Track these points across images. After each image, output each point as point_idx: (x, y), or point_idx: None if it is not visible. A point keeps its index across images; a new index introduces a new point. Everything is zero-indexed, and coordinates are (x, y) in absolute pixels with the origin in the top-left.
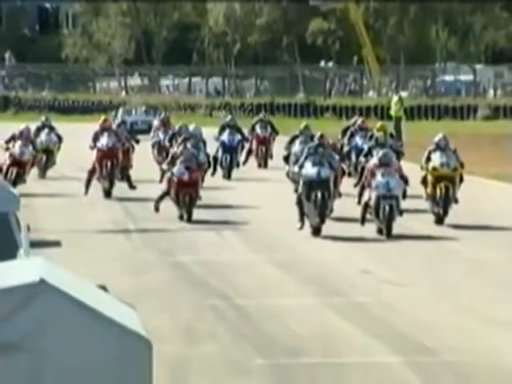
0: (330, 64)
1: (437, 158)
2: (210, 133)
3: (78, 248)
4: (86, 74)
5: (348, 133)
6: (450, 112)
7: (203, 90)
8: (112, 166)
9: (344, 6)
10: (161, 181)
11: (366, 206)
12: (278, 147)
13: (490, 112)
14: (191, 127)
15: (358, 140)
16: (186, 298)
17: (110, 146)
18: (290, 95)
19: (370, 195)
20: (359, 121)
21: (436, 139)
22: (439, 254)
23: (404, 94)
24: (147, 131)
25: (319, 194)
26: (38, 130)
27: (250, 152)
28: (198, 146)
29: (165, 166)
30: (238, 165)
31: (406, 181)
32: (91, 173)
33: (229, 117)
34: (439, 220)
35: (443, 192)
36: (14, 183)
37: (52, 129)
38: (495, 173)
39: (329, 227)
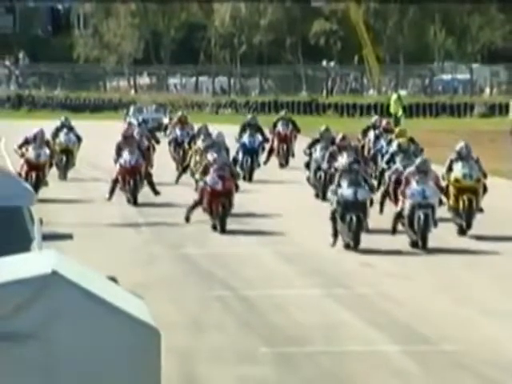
0: (332, 63)
1: (459, 169)
2: (215, 129)
3: (89, 241)
4: (97, 73)
5: (371, 134)
6: (447, 110)
7: (209, 89)
8: (135, 184)
9: (345, 7)
10: (177, 181)
11: (399, 215)
12: (300, 145)
13: (486, 110)
14: (214, 134)
15: (384, 143)
16: (194, 290)
17: (134, 163)
18: (294, 93)
19: (403, 205)
20: (384, 122)
21: (457, 147)
22: (438, 245)
23: (403, 92)
24: (158, 129)
25: (354, 217)
26: (57, 130)
27: (271, 151)
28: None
29: (197, 176)
30: (258, 165)
31: (441, 189)
32: (114, 183)
33: (249, 116)
34: (462, 231)
35: (466, 205)
36: (36, 188)
37: (71, 129)
38: (494, 169)
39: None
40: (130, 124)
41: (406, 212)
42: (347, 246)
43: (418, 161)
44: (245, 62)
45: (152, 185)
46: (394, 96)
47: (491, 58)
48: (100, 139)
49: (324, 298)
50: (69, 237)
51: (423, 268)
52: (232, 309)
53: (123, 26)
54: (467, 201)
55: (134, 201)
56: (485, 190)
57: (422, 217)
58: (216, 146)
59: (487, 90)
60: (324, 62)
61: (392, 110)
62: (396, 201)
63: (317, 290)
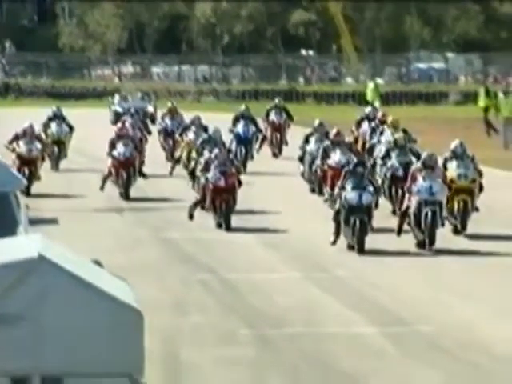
0: (311, 52)
1: (454, 169)
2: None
3: (74, 225)
4: (82, 62)
5: (365, 126)
6: (423, 97)
7: (192, 77)
8: (128, 176)
9: None
10: (171, 173)
11: (405, 214)
12: (293, 134)
13: (460, 98)
14: (211, 129)
15: (386, 136)
16: (177, 273)
17: (128, 155)
18: (274, 82)
19: (409, 203)
20: (379, 114)
21: (452, 146)
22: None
23: (380, 80)
24: (143, 117)
25: (358, 221)
26: (49, 120)
27: (264, 139)
28: None
29: (199, 173)
30: (252, 157)
31: (449, 187)
32: (106, 177)
33: (243, 106)
34: (456, 231)
35: (461, 206)
36: (29, 182)
37: (63, 119)
38: None
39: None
40: (123, 122)
41: (412, 210)
42: (351, 248)
43: (424, 155)
44: (226, 51)
45: (140, 170)
46: (371, 84)
47: (466, 47)
48: (85, 126)
49: (303, 281)
50: (54, 221)
51: (401, 253)
52: (214, 291)
53: (107, 16)
54: (462, 202)
55: (126, 195)
56: (481, 189)
57: (429, 214)
58: (213, 141)
59: (462, 79)
60: (303, 52)
61: (369, 98)
62: (391, 198)
63: (297, 274)
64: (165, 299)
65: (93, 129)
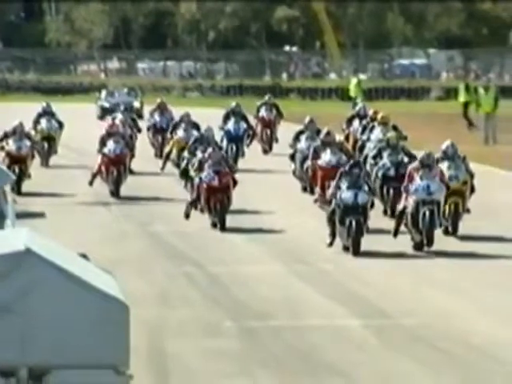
0: (295, 48)
1: (445, 170)
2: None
3: (61, 219)
4: (68, 57)
5: (356, 124)
6: (405, 93)
7: (177, 73)
8: (119, 174)
9: None
10: (162, 168)
11: (402, 214)
12: (283, 130)
13: (442, 93)
14: (203, 128)
15: (376, 134)
16: (162, 266)
17: (118, 152)
18: (258, 77)
19: (406, 202)
20: (370, 112)
21: (443, 147)
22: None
23: (363, 76)
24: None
25: (354, 222)
26: (39, 117)
27: (253, 135)
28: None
29: (193, 173)
30: (243, 154)
31: (447, 187)
32: (95, 175)
33: (233, 103)
34: (447, 232)
35: (452, 209)
36: (19, 181)
37: (53, 115)
38: None
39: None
40: (113, 119)
41: (409, 210)
42: (346, 249)
43: (421, 154)
44: (211, 47)
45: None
46: (354, 80)
47: (447, 43)
48: (72, 121)
49: (288, 274)
50: (41, 215)
51: (384, 246)
52: (199, 284)
53: (94, 12)
54: (453, 204)
55: (116, 193)
56: (472, 190)
57: (427, 214)
58: (205, 140)
59: (443, 75)
60: (287, 48)
61: (352, 93)
62: (382, 198)
63: (282, 267)
64: (150, 292)
65: (79, 124)
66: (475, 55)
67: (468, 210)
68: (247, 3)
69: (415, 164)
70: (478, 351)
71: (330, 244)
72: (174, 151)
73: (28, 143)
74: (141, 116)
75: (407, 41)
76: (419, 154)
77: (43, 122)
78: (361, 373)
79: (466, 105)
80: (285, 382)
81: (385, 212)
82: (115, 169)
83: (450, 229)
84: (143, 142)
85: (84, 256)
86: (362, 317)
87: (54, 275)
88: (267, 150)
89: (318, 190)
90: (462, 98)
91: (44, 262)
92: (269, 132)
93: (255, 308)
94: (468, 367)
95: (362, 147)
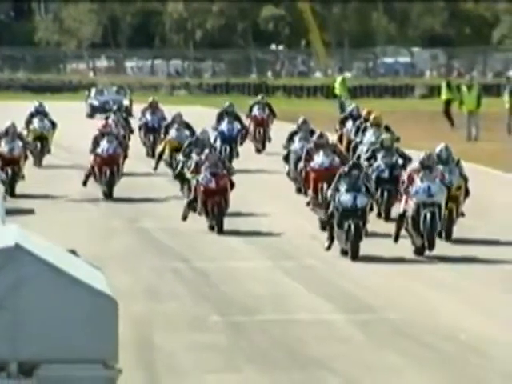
0: (281, 47)
1: None
2: (171, 111)
3: (50, 216)
4: (57, 56)
5: (349, 124)
6: (389, 91)
7: (165, 71)
8: (112, 174)
9: None
10: (155, 168)
11: (402, 217)
12: (276, 130)
13: (425, 91)
14: (198, 131)
15: (369, 135)
16: (150, 261)
17: (111, 152)
18: (244, 76)
19: (406, 205)
20: (364, 112)
21: (437, 150)
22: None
23: (348, 74)
24: (118, 110)
25: (353, 225)
26: (32, 116)
27: (246, 134)
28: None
29: (189, 175)
30: (237, 155)
31: (448, 189)
32: (87, 176)
33: (227, 103)
34: (440, 236)
35: (446, 215)
36: (12, 182)
37: (45, 115)
38: (434, 147)
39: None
40: (107, 118)
41: (409, 213)
42: (344, 253)
43: (422, 155)
44: (198, 46)
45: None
46: (339, 78)
47: (431, 42)
48: (62, 119)
49: (275, 270)
50: (31, 212)
51: (370, 242)
52: (186, 279)
53: (82, 11)
54: (447, 211)
55: (109, 193)
56: (467, 194)
57: (428, 216)
58: (200, 143)
59: (427, 73)
60: (273, 46)
61: (337, 91)
62: (376, 200)
63: (268, 263)
64: (138, 287)
65: (69, 122)
66: (458, 54)
67: (462, 214)
68: (234, 2)
69: (415, 166)
70: (464, 346)
71: (328, 247)
72: (167, 151)
73: (20, 144)
74: (130, 114)
75: (391, 40)
76: (408, 152)
77: (35, 122)
78: (345, 366)
79: (447, 102)
80: (271, 376)
81: (379, 215)
82: (108, 169)
83: (443, 235)
84: (135, 142)
85: (73, 252)
86: (347, 311)
87: (44, 271)
88: (260, 150)
89: (310, 192)
90: (443, 95)
91: (34, 258)
92: (262, 131)
93: (242, 302)
94: (453, 361)
95: (356, 148)
